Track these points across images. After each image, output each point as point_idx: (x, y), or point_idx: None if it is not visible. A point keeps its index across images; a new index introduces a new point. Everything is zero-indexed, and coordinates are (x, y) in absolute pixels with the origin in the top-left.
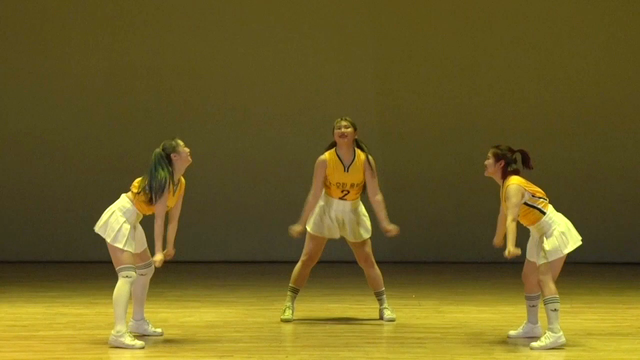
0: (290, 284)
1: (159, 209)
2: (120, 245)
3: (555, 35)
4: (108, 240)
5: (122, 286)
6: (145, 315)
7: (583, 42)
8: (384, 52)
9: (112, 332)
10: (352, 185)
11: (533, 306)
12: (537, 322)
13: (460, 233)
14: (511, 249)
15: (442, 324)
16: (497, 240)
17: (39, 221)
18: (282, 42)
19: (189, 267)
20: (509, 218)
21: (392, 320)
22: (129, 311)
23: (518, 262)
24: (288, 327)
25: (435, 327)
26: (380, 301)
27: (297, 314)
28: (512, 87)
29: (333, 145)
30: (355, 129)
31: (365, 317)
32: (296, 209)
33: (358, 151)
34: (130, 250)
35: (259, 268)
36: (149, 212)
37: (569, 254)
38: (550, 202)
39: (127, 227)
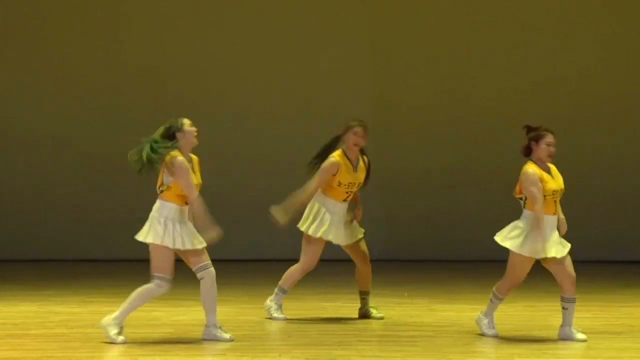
0: (281, 285)
1: (183, 186)
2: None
3: (551, 32)
4: (145, 239)
5: (145, 287)
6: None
7: (580, 39)
8: (379, 51)
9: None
10: (358, 185)
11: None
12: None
13: (452, 231)
14: None
15: (434, 322)
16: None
17: (32, 220)
18: (277, 40)
19: (182, 265)
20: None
21: (381, 318)
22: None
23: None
24: (280, 326)
25: (428, 325)
26: (365, 301)
27: (290, 312)
28: (507, 84)
29: (337, 140)
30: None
31: (357, 316)
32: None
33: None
34: (168, 245)
35: (251, 266)
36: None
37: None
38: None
39: (166, 223)
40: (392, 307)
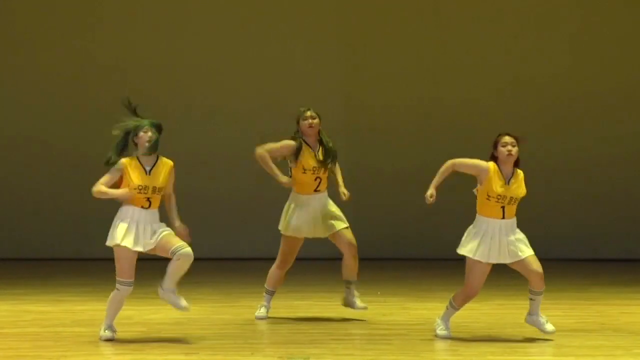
0: (265, 286)
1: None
2: (109, 243)
3: (523, 32)
4: (107, 242)
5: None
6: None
7: (550, 40)
8: (350, 50)
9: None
10: (324, 170)
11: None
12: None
13: (424, 230)
14: None
15: (407, 320)
16: None
17: (2, 219)
18: (248, 39)
19: (155, 264)
20: None
21: (365, 308)
22: None
23: None
24: (253, 324)
25: (401, 323)
26: (349, 290)
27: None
28: (479, 84)
29: (297, 135)
30: (320, 119)
31: (330, 314)
32: (263, 206)
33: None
34: (126, 244)
35: (224, 265)
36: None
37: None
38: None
39: (119, 223)
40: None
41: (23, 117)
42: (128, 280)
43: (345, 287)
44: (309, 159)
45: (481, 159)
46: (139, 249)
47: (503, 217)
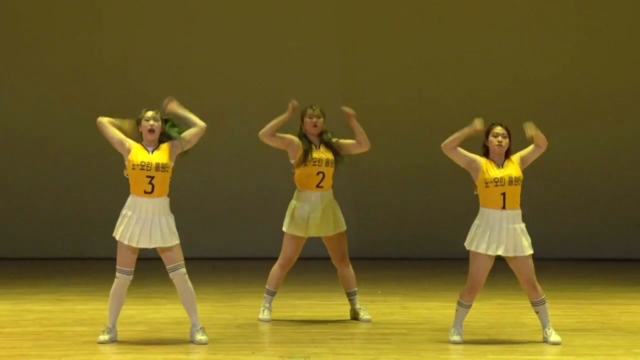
0: (267, 287)
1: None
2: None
3: (524, 31)
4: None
5: (113, 286)
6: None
7: (551, 39)
8: (350, 49)
9: None
10: (327, 163)
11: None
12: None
13: (424, 229)
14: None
15: (407, 319)
16: None
17: (3, 218)
18: (249, 39)
19: (156, 264)
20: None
21: (368, 320)
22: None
23: None
24: (254, 324)
25: (401, 323)
26: (353, 301)
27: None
28: (479, 84)
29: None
30: (324, 118)
31: (331, 313)
32: (264, 206)
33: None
34: (128, 243)
35: (225, 265)
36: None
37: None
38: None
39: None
40: (365, 305)
41: (24, 115)
42: (127, 269)
43: (349, 299)
44: (309, 152)
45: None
46: (140, 245)
47: (504, 207)
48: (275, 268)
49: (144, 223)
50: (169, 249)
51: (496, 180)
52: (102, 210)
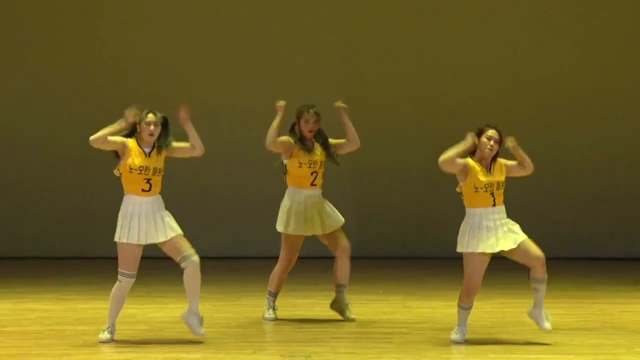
0: (269, 288)
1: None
2: (115, 239)
3: (524, 31)
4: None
5: (114, 287)
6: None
7: (551, 39)
8: (351, 49)
9: None
10: (321, 164)
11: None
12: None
13: (425, 228)
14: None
15: (408, 319)
16: None
17: (4, 217)
18: (249, 39)
19: (157, 263)
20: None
21: (353, 319)
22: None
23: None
24: (255, 323)
25: (402, 322)
26: (339, 295)
27: (263, 309)
28: (480, 84)
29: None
30: (319, 119)
31: (332, 313)
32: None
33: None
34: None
35: (227, 264)
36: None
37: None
38: (518, 199)
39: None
40: (366, 304)
41: (25, 114)
42: (130, 272)
43: (337, 291)
44: (303, 154)
45: None
46: (142, 242)
47: (494, 205)
48: (277, 270)
49: (146, 220)
50: (174, 241)
51: (486, 185)
52: (102, 209)
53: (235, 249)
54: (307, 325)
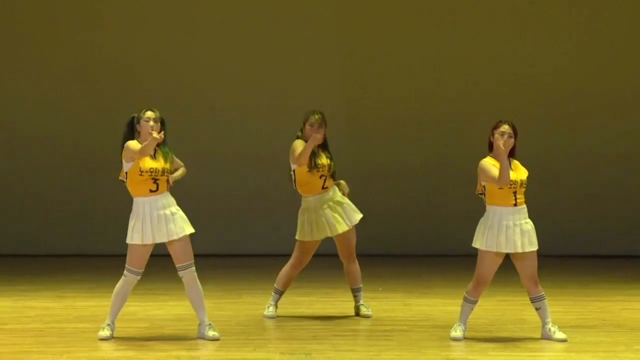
0: (275, 285)
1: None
2: (127, 240)
3: (525, 28)
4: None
5: (118, 283)
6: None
7: (552, 36)
8: (351, 49)
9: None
10: (329, 168)
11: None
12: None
13: (426, 226)
14: None
15: (408, 316)
16: None
17: (5, 215)
18: (250, 37)
19: (158, 260)
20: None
21: (368, 316)
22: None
23: None
24: (256, 320)
25: (402, 319)
26: (357, 297)
27: (264, 306)
28: (480, 82)
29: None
30: (326, 125)
31: (332, 310)
32: (265, 204)
33: None
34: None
35: (227, 261)
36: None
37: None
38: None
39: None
40: (366, 302)
41: (26, 114)
42: (137, 270)
43: (354, 295)
44: (313, 157)
45: (483, 155)
46: (152, 242)
47: (515, 204)
48: (287, 268)
49: (158, 220)
50: (177, 245)
51: (511, 183)
52: (103, 207)
53: (235, 246)
54: (307, 322)
